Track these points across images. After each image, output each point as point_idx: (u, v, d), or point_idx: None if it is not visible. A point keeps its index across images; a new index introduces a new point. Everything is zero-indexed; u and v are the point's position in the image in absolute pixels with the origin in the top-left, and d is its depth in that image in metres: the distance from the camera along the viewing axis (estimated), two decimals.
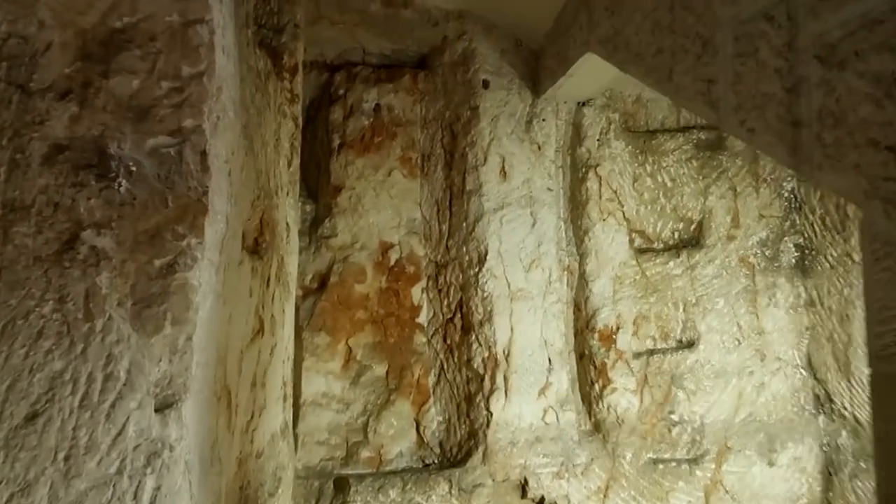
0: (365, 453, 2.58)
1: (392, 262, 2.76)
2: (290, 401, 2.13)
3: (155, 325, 1.03)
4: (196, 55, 1.10)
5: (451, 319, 2.75)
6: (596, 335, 2.83)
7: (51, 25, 0.98)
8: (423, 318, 2.79)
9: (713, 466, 2.86)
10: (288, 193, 2.19)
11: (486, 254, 2.67)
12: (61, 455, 0.94)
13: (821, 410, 3.01)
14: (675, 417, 2.88)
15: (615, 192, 2.94)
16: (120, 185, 1.01)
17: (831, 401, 2.98)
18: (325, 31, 2.57)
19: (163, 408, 1.03)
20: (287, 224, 2.15)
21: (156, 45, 1.07)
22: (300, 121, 2.30)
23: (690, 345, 2.95)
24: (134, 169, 1.03)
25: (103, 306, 0.99)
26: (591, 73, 2.52)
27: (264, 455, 1.87)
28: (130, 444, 0.98)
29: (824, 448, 2.98)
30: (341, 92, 2.77)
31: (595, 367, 2.82)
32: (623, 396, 2.80)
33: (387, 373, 2.69)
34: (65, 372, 0.97)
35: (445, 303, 2.77)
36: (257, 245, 1.79)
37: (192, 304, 1.08)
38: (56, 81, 0.99)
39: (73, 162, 1.00)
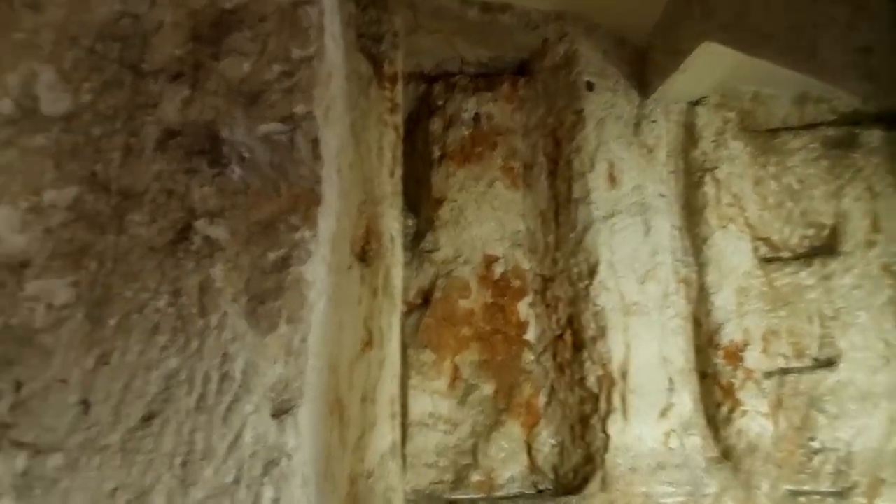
0: (475, 477, 2.43)
1: (497, 276, 2.64)
2: (398, 419, 2.03)
3: (270, 322, 0.96)
4: (306, 37, 1.04)
5: (561, 336, 2.58)
6: (720, 352, 2.58)
7: (162, 4, 0.94)
8: (530, 335, 2.63)
9: (864, 501, 2.51)
10: (391, 205, 2.13)
11: (597, 265, 2.49)
12: (178, 461, 0.86)
13: None
14: (816, 445, 2.56)
15: (735, 196, 2.70)
16: (233, 172, 0.95)
17: None
18: (422, 41, 2.53)
19: (279, 413, 0.95)
20: (392, 236, 2.08)
21: (265, 27, 1.02)
22: (401, 131, 2.25)
23: (830, 363, 2.63)
24: (247, 155, 0.97)
25: (218, 301, 0.93)
26: (705, 66, 2.34)
27: (374, 475, 1.78)
28: (247, 451, 0.90)
29: None
30: (440, 102, 2.72)
31: (721, 388, 2.56)
32: (755, 420, 2.52)
33: (495, 392, 2.54)
34: (180, 371, 0.90)
35: (554, 318, 2.61)
36: (364, 253, 1.72)
37: (307, 302, 0.99)
38: (168, 63, 0.95)
39: (186, 147, 0.94)
